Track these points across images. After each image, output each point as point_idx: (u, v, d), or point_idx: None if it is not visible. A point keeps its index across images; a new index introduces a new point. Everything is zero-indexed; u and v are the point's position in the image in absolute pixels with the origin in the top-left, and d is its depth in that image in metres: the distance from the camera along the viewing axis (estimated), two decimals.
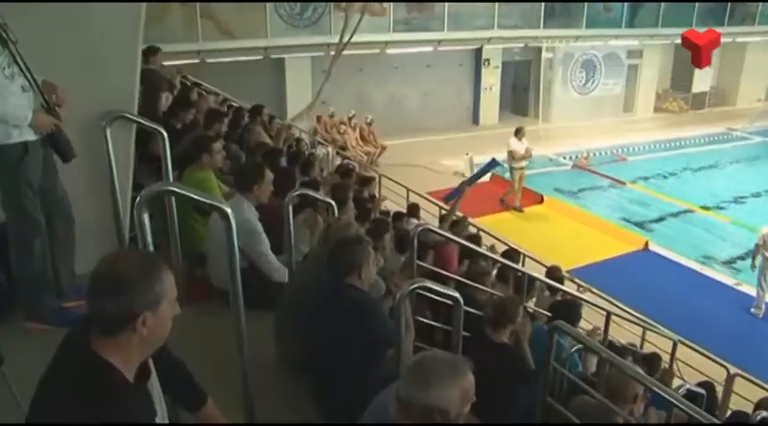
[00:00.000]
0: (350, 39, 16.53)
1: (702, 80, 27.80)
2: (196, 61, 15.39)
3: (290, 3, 16.92)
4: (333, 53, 16.90)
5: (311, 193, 5.24)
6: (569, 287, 8.27)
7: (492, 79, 22.56)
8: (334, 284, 3.54)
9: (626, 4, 23.19)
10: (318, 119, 17.97)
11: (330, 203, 5.25)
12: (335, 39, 16.80)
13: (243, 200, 4.84)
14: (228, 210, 2.88)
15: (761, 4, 27.03)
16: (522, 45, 21.94)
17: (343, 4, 17.01)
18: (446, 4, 18.94)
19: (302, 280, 4.11)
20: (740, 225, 15.33)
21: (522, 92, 24.29)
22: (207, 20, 15.71)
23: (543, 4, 20.62)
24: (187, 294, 4.45)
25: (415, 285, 3.40)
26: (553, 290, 7.10)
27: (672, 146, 22.21)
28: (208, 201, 3.07)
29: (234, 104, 11.19)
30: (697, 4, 24.53)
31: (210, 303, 4.59)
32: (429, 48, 19.65)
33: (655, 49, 25.58)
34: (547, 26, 21.04)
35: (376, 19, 18.02)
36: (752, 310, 11.13)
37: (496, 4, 19.73)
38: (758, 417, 6.03)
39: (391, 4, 18.36)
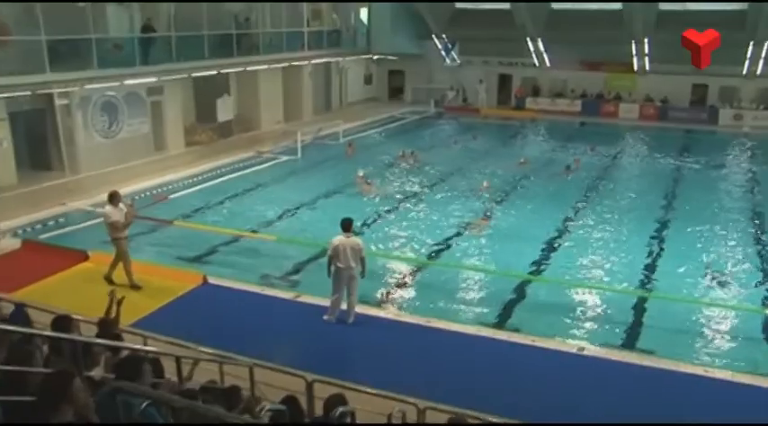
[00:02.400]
0: None
1: (225, 110, 29.72)
2: None
3: None
4: None
5: None
6: (134, 341, 8.03)
7: (0, 133, 20.67)
8: None
9: (136, 40, 23.55)
10: None
11: None
12: None
13: None
14: None
15: (261, 35, 30.12)
16: (28, 92, 20.52)
17: None
18: None
19: None
20: (286, 241, 16.73)
21: (40, 144, 22.73)
22: None
23: (45, 47, 19.62)
24: None
25: None
26: (114, 350, 6.80)
27: (210, 176, 23.29)
28: None
29: None
30: (206, 38, 26.14)
31: None
32: None
33: (175, 84, 26.42)
34: (54, 70, 20.08)
35: None
36: (325, 317, 12.14)
37: None
38: (337, 413, 6.65)
39: None
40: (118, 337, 7.33)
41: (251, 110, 31.99)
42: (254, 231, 17.65)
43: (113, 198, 13.56)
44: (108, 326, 7.66)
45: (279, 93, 33.48)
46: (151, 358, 6.84)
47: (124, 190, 20.05)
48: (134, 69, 23.32)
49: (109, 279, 13.47)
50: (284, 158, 26.45)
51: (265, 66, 30.69)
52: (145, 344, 8.34)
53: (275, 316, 12.50)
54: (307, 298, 13.08)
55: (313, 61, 35.16)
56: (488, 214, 18.58)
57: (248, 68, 29.41)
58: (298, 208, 19.98)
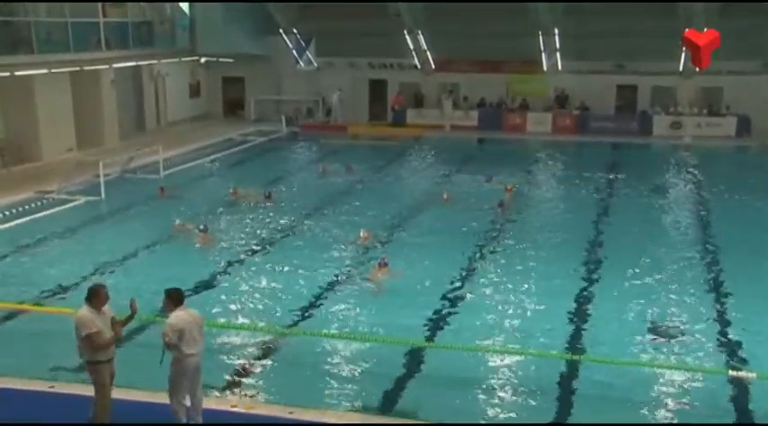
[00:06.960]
0: None
1: None
2: None
3: None
4: None
5: None
6: None
7: None
8: None
9: None
10: None
11: None
12: None
13: None
14: None
15: (32, 25, 29.11)
16: None
17: None
18: None
19: None
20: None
21: None
22: None
23: None
24: None
25: None
26: None
27: None
28: None
29: None
30: None
31: None
32: None
33: None
34: None
35: None
36: None
37: None
38: None
39: None
40: None
41: (25, 133, 30.96)
42: (37, 304, 16.99)
43: (95, 296, 10.67)
44: None
45: (68, 110, 32.73)
46: None
47: None
48: None
49: None
50: (81, 200, 25.82)
51: (44, 71, 29.84)
52: None
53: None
54: (120, 393, 12.55)
55: (116, 65, 34.65)
56: (386, 261, 18.56)
57: (17, 73, 28.51)
58: (105, 268, 19.39)
